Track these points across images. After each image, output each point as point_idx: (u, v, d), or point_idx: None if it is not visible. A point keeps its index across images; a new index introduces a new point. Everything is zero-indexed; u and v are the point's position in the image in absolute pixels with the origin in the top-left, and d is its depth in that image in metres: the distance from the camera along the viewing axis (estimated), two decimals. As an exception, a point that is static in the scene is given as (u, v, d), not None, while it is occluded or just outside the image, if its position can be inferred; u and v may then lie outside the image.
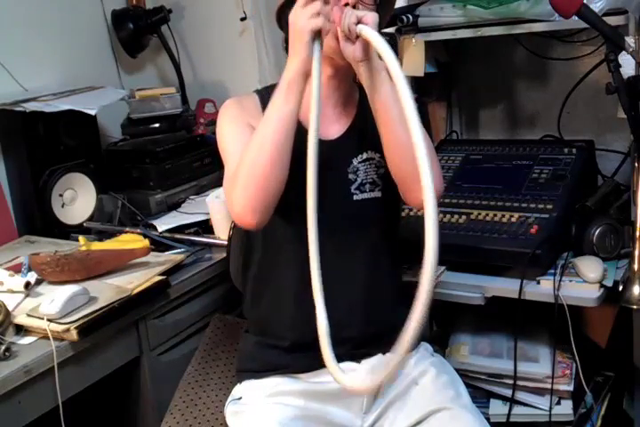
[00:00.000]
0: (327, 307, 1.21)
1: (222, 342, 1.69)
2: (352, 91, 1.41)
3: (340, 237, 1.34)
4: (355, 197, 1.36)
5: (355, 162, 1.37)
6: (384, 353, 1.37)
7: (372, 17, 1.16)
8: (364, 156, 1.37)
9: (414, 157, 1.16)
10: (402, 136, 1.22)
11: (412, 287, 1.67)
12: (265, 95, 1.38)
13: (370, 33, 1.13)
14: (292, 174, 1.27)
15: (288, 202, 1.28)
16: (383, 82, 1.21)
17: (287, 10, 1.27)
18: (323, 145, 1.28)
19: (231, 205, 1.26)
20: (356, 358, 1.37)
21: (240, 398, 1.41)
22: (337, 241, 1.32)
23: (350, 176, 1.36)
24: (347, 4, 1.22)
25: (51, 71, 2.22)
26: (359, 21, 1.15)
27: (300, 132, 1.26)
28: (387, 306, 1.41)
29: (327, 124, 1.35)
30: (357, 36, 1.16)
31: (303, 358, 1.34)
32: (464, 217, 1.70)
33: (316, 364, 1.33)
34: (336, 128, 1.38)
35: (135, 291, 1.56)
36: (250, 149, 1.23)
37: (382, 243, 1.41)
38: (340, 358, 1.34)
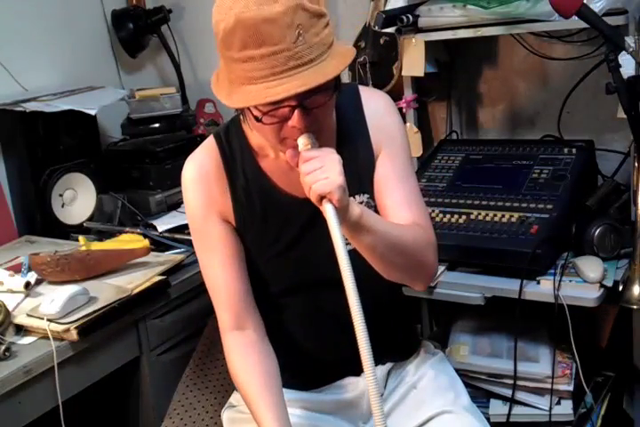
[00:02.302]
0: (324, 348, 1.24)
1: (220, 343, 1.69)
2: (328, 143, 1.18)
3: (337, 290, 1.30)
4: (349, 247, 1.22)
5: None
6: (384, 364, 1.37)
7: (337, 193, 1.01)
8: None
9: (409, 268, 1.20)
10: (391, 265, 1.20)
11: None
12: (227, 152, 1.27)
13: (330, 219, 1.01)
14: (277, 237, 1.27)
15: (278, 262, 1.28)
16: (359, 235, 1.12)
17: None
18: (308, 203, 1.26)
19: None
20: (357, 372, 1.33)
21: (237, 405, 1.41)
22: (335, 294, 1.23)
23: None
24: (294, 127, 1.06)
25: (51, 71, 2.22)
26: (323, 197, 1.02)
27: (280, 197, 1.26)
28: (387, 332, 1.33)
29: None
30: None
31: (300, 379, 1.34)
32: (464, 217, 1.70)
33: (314, 384, 1.34)
34: None
35: (135, 291, 1.56)
36: (244, 398, 1.24)
37: (383, 286, 1.28)
38: (341, 374, 1.34)
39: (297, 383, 1.34)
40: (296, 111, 1.04)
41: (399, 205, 1.24)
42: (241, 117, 1.26)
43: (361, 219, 1.09)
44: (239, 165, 1.27)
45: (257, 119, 1.07)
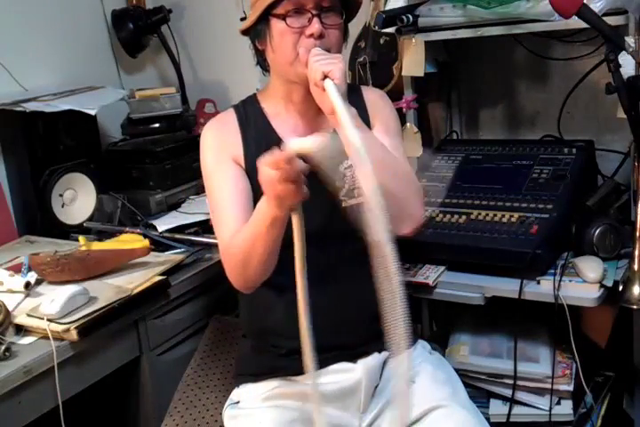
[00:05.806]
0: (320, 314, 1.22)
1: (221, 343, 1.69)
2: None
3: (331, 245, 1.34)
4: (344, 204, 1.35)
5: (341, 168, 1.35)
6: (380, 352, 1.37)
7: (338, 71, 1.17)
8: (350, 161, 1.35)
9: (395, 199, 1.22)
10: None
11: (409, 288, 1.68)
12: (242, 113, 1.43)
13: (332, 94, 1.13)
14: None
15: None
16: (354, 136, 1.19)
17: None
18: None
19: (227, 273, 1.32)
20: (352, 358, 1.36)
21: (238, 402, 1.41)
22: (328, 249, 1.33)
23: (338, 183, 1.34)
24: (312, 35, 1.25)
25: (51, 71, 2.22)
26: (326, 76, 1.17)
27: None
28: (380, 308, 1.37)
29: (309, 134, 1.35)
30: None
31: (300, 361, 1.34)
32: (464, 217, 1.70)
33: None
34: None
35: (135, 291, 1.56)
36: (243, 242, 1.25)
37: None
38: (336, 359, 1.34)
39: (290, 367, 1.34)
40: (315, 18, 1.26)
41: None
42: (255, 93, 1.46)
43: (356, 116, 1.22)
44: (252, 122, 1.43)
45: (282, 18, 1.27)
